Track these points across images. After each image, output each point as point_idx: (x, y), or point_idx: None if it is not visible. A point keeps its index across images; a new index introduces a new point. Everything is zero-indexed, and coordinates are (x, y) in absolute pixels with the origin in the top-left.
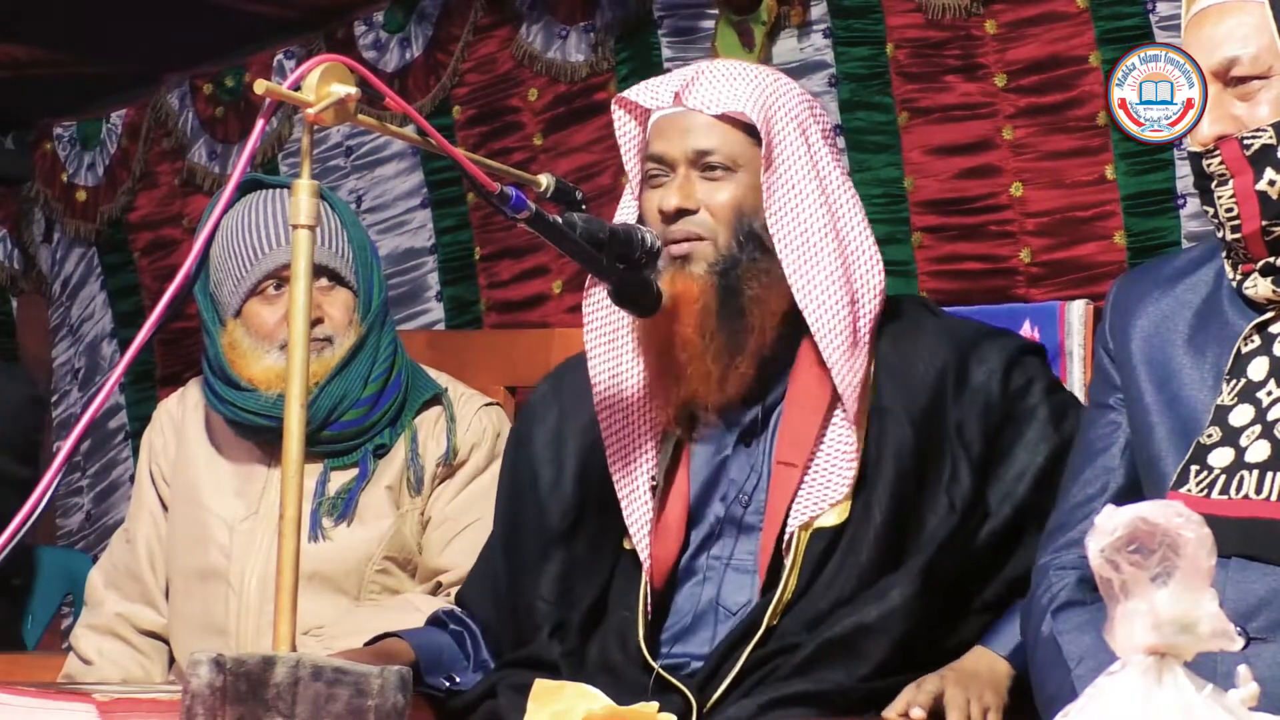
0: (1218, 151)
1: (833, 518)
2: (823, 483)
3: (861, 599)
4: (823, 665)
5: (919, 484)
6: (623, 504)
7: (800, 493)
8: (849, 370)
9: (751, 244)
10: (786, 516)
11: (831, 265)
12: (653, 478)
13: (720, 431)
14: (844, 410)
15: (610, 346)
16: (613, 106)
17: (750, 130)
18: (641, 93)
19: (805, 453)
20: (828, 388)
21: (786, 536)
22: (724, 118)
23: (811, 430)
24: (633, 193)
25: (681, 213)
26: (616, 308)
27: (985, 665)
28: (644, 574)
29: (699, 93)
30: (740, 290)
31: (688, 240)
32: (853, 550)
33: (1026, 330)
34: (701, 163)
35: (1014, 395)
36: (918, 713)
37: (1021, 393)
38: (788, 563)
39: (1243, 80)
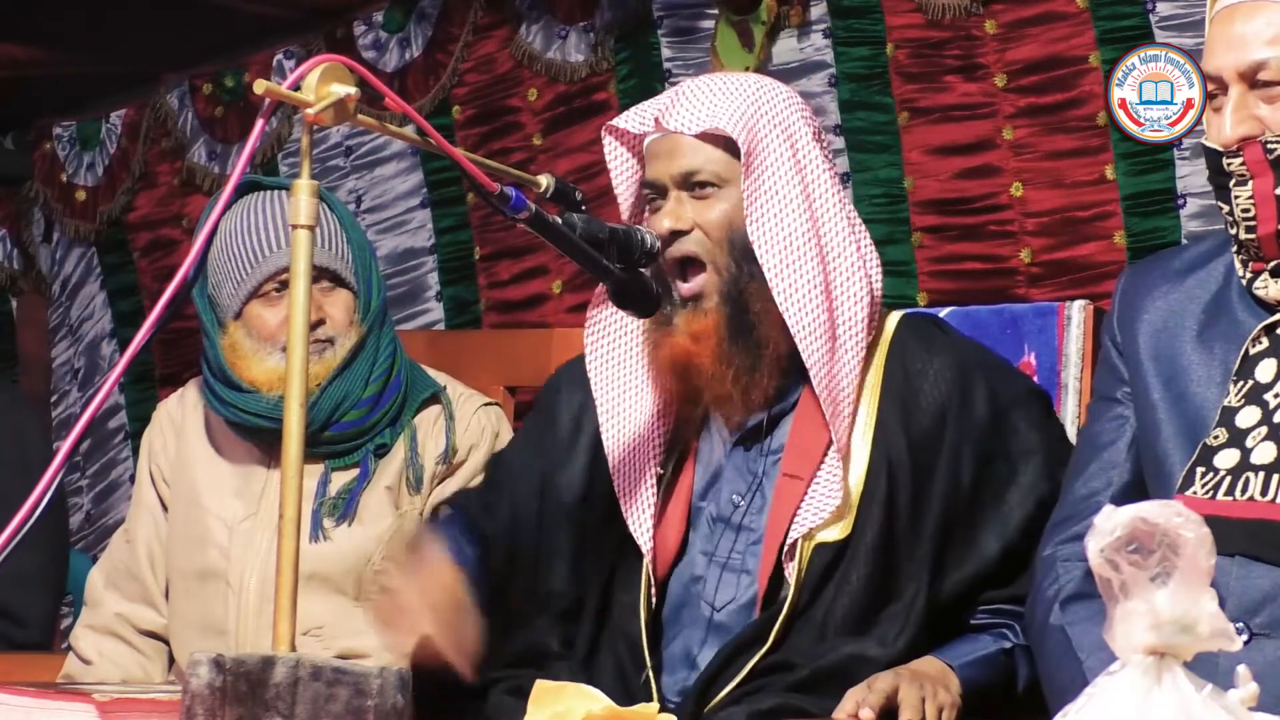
0: (1240, 152)
1: (835, 533)
2: (823, 494)
3: (865, 637)
4: (815, 690)
5: (914, 507)
6: (623, 495)
7: (803, 505)
8: (828, 375)
9: (746, 258)
10: (789, 529)
11: (812, 270)
12: (659, 468)
13: (724, 432)
14: (834, 417)
15: (618, 361)
16: (603, 135)
17: (733, 145)
18: (630, 119)
19: (812, 466)
20: None
21: (788, 547)
22: (705, 136)
23: (820, 444)
24: (623, 217)
25: (675, 234)
26: (622, 319)
27: (936, 669)
28: (645, 563)
29: (677, 114)
30: (747, 308)
31: (684, 258)
32: (851, 568)
33: (1026, 329)
34: (689, 183)
35: (1010, 433)
36: (866, 713)
37: (1019, 433)
38: (790, 577)
39: (1270, 84)
